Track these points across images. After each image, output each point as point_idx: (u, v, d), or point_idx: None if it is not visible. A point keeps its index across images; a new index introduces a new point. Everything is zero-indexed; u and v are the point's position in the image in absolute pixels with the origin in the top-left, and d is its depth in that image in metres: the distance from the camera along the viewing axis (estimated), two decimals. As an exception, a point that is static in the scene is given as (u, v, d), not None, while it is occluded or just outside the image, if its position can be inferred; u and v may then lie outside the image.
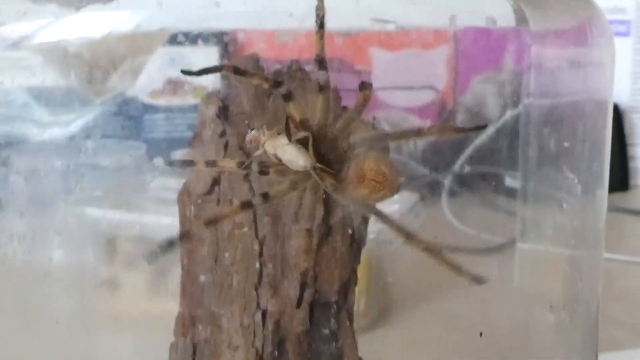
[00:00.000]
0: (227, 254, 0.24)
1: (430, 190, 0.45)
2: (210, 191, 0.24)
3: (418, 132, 0.23)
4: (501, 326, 0.35)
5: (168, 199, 0.41)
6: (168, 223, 0.36)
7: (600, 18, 0.30)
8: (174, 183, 0.44)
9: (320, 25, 0.22)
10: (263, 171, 0.22)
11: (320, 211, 0.23)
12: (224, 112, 0.25)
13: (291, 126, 0.21)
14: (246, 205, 0.22)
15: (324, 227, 0.23)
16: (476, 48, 0.39)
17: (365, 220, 0.24)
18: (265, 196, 0.22)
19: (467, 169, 0.44)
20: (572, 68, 0.33)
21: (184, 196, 0.25)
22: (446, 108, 0.47)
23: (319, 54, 0.22)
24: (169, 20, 0.27)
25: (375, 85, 0.35)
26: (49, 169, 0.33)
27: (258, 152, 0.22)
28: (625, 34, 0.69)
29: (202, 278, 0.25)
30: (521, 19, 0.29)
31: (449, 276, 0.38)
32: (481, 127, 0.22)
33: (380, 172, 0.22)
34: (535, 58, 0.32)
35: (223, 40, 0.31)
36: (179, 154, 0.56)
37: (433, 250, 0.23)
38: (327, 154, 0.22)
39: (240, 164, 0.22)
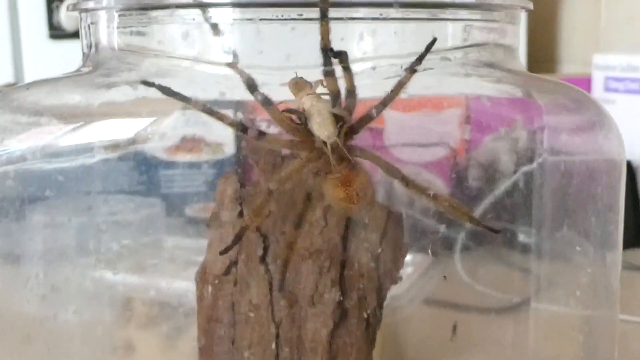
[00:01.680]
0: (243, 336, 0.24)
1: (443, 247, 0.45)
2: (227, 272, 0.25)
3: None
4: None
5: (183, 260, 0.42)
6: (183, 288, 0.36)
7: (595, 101, 0.32)
8: (189, 243, 0.45)
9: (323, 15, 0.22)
10: (261, 132, 0.22)
11: (336, 295, 0.23)
12: (241, 193, 0.25)
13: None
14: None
15: (340, 311, 0.24)
16: (488, 111, 0.40)
17: (380, 303, 0.25)
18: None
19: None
20: (581, 132, 0.33)
21: (202, 276, 0.26)
22: (458, 163, 0.47)
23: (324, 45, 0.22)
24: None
25: (387, 142, 0.36)
26: (65, 226, 0.33)
27: (291, 102, 0.22)
28: (637, 92, 0.69)
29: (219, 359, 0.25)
30: (529, 97, 0.30)
31: (463, 338, 0.38)
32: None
33: (364, 189, 0.23)
34: (547, 121, 0.33)
35: (236, 103, 0.32)
36: (193, 209, 0.56)
37: (458, 207, 0.23)
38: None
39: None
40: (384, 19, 0.22)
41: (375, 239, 0.25)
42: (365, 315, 0.24)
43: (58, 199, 0.32)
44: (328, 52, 0.21)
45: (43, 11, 0.81)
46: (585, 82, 0.74)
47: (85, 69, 0.26)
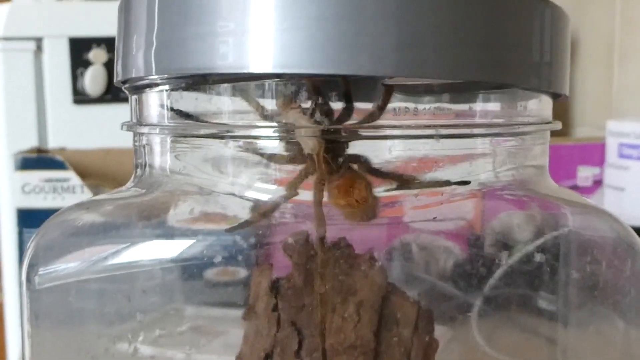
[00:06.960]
0: None
1: (460, 313, 0.45)
2: (262, 365, 0.25)
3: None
4: None
5: (204, 330, 0.42)
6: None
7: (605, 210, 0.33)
8: (211, 312, 0.45)
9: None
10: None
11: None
12: (276, 285, 0.26)
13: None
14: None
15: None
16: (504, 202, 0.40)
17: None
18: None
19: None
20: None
21: (237, 369, 0.26)
22: (475, 231, 0.48)
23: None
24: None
25: (405, 219, 0.36)
26: (80, 293, 0.34)
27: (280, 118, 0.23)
28: (649, 159, 0.70)
29: None
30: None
31: None
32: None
33: (360, 194, 0.23)
34: (567, 209, 0.33)
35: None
36: (210, 273, 0.56)
37: None
38: (333, 151, 0.23)
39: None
40: (419, 151, 0.24)
41: (406, 334, 0.25)
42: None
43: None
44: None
45: (68, 76, 0.83)
46: (599, 148, 0.75)
47: (138, 190, 0.27)
